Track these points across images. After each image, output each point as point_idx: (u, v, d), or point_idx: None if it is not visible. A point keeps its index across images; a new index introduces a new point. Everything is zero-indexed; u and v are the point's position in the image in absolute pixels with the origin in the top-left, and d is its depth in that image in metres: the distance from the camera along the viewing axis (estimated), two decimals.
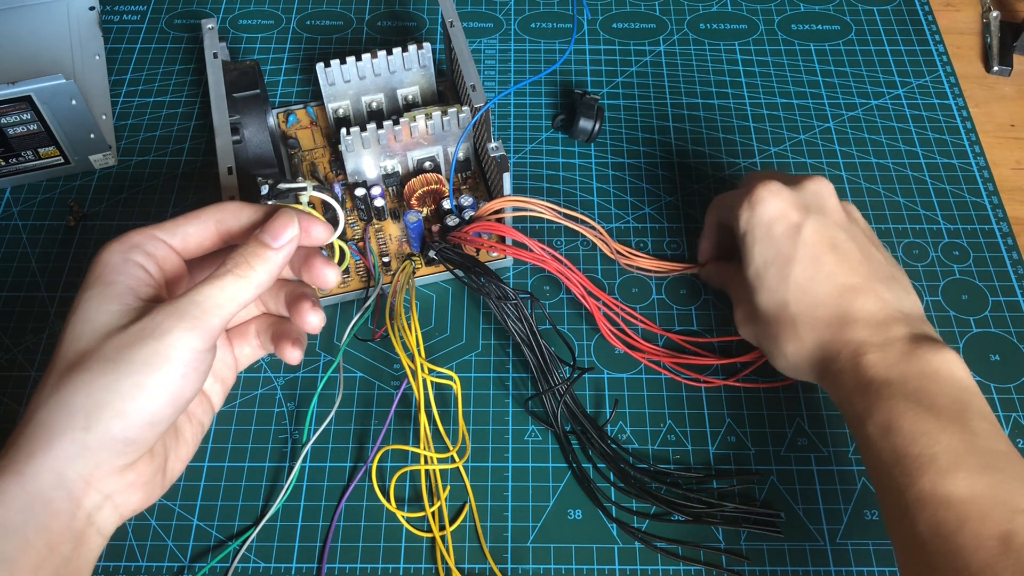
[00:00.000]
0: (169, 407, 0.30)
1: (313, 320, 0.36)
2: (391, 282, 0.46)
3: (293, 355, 0.37)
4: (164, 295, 0.33)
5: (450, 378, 0.44)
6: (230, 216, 0.34)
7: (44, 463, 0.29)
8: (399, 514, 0.41)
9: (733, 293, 0.44)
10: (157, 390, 0.30)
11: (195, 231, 0.34)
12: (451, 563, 0.40)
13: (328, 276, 0.36)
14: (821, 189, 0.40)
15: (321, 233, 0.35)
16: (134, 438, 0.30)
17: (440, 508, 0.41)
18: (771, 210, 0.39)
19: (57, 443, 0.29)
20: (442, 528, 0.41)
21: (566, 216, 0.46)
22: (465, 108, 0.47)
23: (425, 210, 0.49)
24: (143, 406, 0.29)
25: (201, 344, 0.30)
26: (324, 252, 0.48)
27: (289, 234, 0.33)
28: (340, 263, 0.47)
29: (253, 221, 0.34)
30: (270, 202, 0.42)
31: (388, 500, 0.41)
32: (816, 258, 0.38)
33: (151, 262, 0.33)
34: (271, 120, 0.50)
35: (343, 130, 0.46)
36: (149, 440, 0.30)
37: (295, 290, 0.37)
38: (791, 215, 0.39)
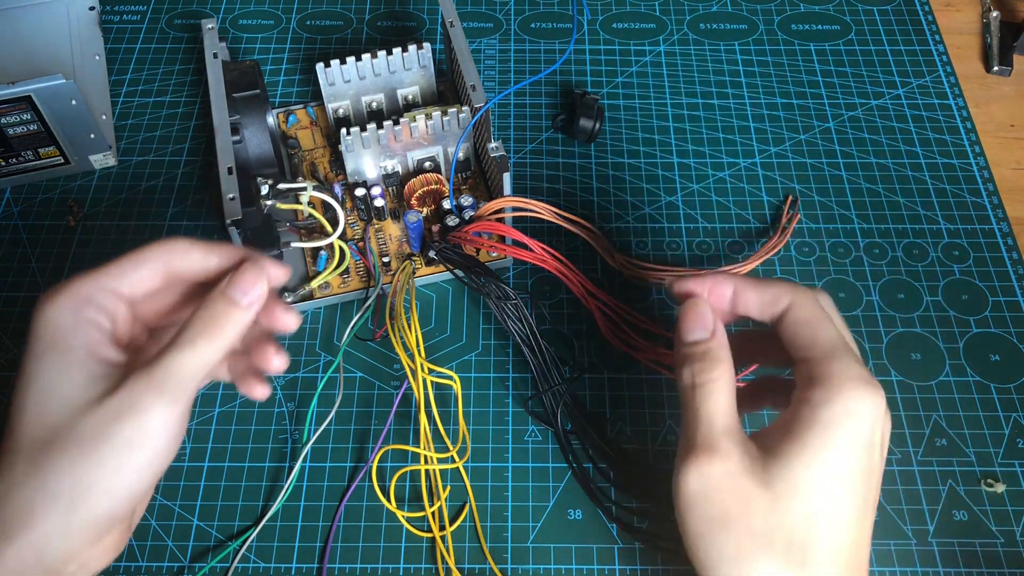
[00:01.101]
0: (153, 478, 0.30)
1: (278, 364, 0.34)
2: (391, 282, 0.46)
3: (262, 392, 0.35)
4: (124, 349, 0.32)
5: (450, 378, 0.44)
6: (179, 257, 0.33)
7: (25, 545, 0.28)
8: (399, 514, 0.41)
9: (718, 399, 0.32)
10: (142, 466, 0.29)
11: (144, 275, 0.32)
12: (451, 563, 0.40)
13: (289, 322, 0.34)
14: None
15: (280, 276, 0.34)
16: (119, 514, 0.29)
17: (440, 508, 0.41)
18: (872, 421, 0.31)
19: (39, 525, 0.28)
20: (442, 528, 0.41)
21: (569, 221, 0.46)
22: (465, 108, 0.47)
23: (425, 210, 0.49)
24: (129, 483, 0.29)
25: (181, 416, 0.30)
26: (324, 253, 0.48)
27: (258, 290, 0.32)
28: (340, 263, 0.47)
29: (206, 265, 0.33)
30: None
31: (388, 500, 0.41)
32: (869, 509, 0.31)
33: (104, 316, 0.31)
34: (271, 120, 0.50)
35: (343, 130, 0.46)
36: (131, 510, 0.30)
37: (255, 330, 0.35)
38: (875, 450, 0.31)
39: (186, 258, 0.33)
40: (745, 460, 0.31)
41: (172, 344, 0.30)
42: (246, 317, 0.31)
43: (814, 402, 0.30)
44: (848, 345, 0.32)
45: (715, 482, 0.30)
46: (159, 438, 0.29)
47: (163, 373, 0.29)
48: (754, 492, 0.30)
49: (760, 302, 0.34)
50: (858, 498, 0.30)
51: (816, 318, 0.32)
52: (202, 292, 0.34)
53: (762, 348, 0.36)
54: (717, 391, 0.32)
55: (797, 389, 0.32)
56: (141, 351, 0.33)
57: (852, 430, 0.30)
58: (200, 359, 0.30)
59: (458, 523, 0.41)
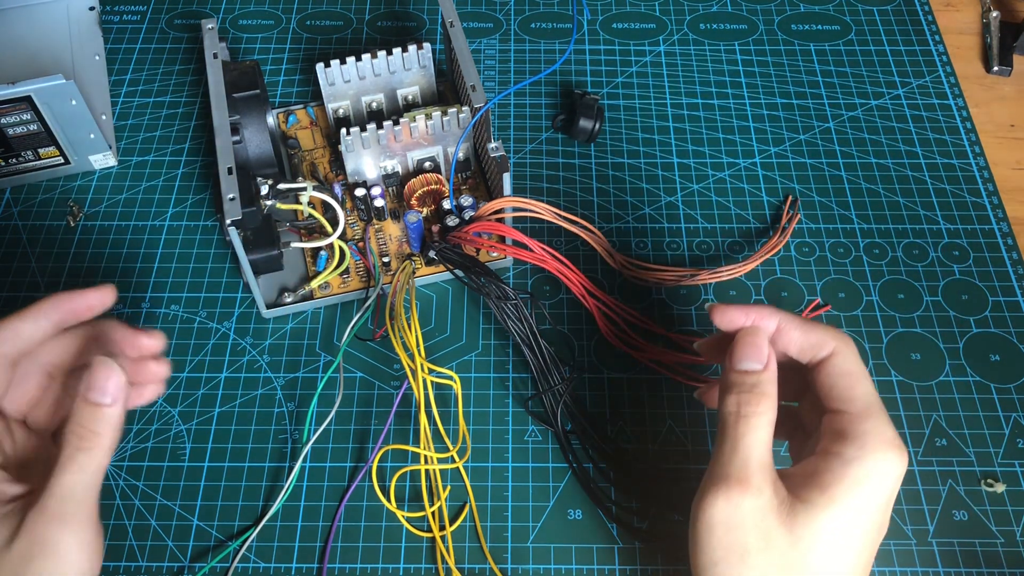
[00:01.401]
0: None
1: (163, 371, 0.34)
2: (391, 282, 0.46)
3: (153, 391, 0.35)
4: (21, 470, 0.31)
5: (450, 378, 0.44)
6: (8, 339, 0.32)
7: None
8: (399, 514, 0.41)
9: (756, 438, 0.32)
10: None
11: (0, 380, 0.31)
12: (451, 563, 0.40)
13: (155, 355, 0.34)
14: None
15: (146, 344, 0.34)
16: None
17: (440, 508, 0.41)
18: (896, 483, 0.32)
19: None
20: (442, 528, 0.41)
21: (568, 221, 0.46)
22: (465, 108, 0.47)
23: (425, 210, 0.49)
24: None
25: (93, 531, 0.29)
26: (324, 253, 0.48)
27: (116, 381, 0.31)
28: (340, 263, 0.47)
29: (41, 328, 0.32)
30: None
31: (388, 500, 0.41)
32: (872, 562, 0.32)
33: None
34: (271, 120, 0.50)
35: (343, 130, 0.46)
36: None
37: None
38: (889, 510, 0.32)
39: (18, 335, 0.32)
40: (774, 500, 0.31)
41: (56, 468, 0.29)
42: (117, 412, 0.31)
43: (846, 458, 0.31)
44: (881, 404, 0.33)
45: (742, 515, 0.31)
46: (79, 561, 0.29)
47: (57, 503, 0.29)
48: (777, 532, 0.31)
49: (803, 344, 0.34)
50: (867, 551, 0.32)
51: (857, 372, 0.33)
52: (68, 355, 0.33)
53: None
54: (760, 426, 0.32)
55: (826, 439, 0.32)
56: (41, 454, 0.33)
57: (877, 490, 0.31)
58: (88, 473, 0.30)
59: (458, 523, 0.41)
